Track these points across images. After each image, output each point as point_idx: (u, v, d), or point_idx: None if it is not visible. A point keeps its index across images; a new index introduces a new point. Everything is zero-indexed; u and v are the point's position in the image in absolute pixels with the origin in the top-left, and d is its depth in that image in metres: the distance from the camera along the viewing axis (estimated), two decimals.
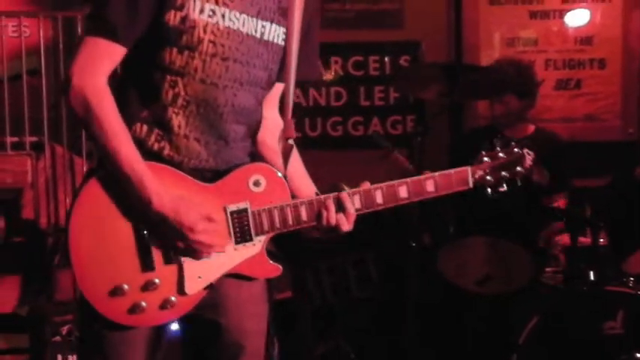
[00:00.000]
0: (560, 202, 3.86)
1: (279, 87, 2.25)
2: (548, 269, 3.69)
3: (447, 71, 3.95)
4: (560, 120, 4.80)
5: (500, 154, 2.24)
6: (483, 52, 4.86)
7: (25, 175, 3.89)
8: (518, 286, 3.63)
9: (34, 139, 4.13)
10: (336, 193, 2.13)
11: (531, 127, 4.12)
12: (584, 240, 3.62)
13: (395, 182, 2.19)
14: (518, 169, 2.24)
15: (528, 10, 4.92)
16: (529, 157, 2.25)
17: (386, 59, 4.83)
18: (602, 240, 3.59)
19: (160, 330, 2.14)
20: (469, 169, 2.22)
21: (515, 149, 2.24)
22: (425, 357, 3.75)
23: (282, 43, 2.15)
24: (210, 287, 2.09)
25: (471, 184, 2.21)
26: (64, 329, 3.26)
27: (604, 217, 3.67)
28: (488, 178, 2.23)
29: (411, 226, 3.64)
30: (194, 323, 2.16)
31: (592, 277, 3.51)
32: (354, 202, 2.14)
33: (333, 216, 2.11)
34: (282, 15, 2.15)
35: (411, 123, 4.82)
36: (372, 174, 4.13)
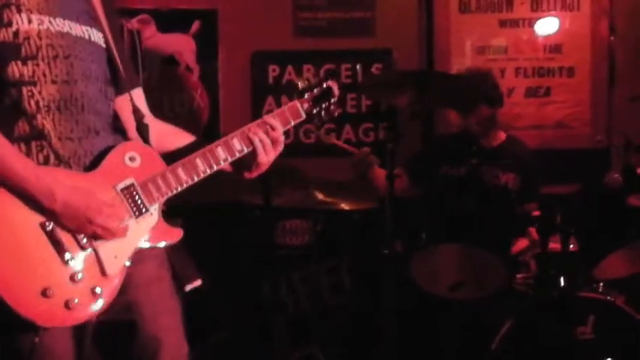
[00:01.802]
0: (532, 208, 3.83)
1: (139, 92, 2.40)
2: (519, 275, 3.70)
3: (419, 79, 3.91)
4: (530, 127, 4.81)
5: (315, 90, 2.52)
6: (454, 60, 4.86)
7: None
8: (490, 292, 3.62)
9: None
10: (253, 124, 2.32)
11: (502, 135, 4.13)
12: (555, 246, 3.62)
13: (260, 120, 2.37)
14: (332, 99, 2.54)
15: (498, 19, 4.91)
16: (335, 87, 2.55)
17: (358, 67, 4.79)
18: (572, 246, 3.61)
19: (82, 338, 2.13)
20: (297, 101, 2.47)
21: (323, 84, 2.54)
22: None
23: (104, 45, 2.28)
24: (127, 265, 2.14)
25: (303, 115, 2.47)
26: None
27: (574, 223, 3.68)
28: (314, 110, 2.51)
29: (384, 233, 3.60)
30: (109, 329, 2.16)
31: (562, 283, 3.52)
32: (274, 121, 2.36)
33: (264, 133, 2.33)
34: (95, 22, 2.27)
35: (383, 130, 4.81)
36: (344, 180, 4.00)
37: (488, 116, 4.08)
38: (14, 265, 2.01)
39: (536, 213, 3.76)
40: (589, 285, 3.58)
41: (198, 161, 2.26)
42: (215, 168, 2.30)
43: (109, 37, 2.29)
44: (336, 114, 2.60)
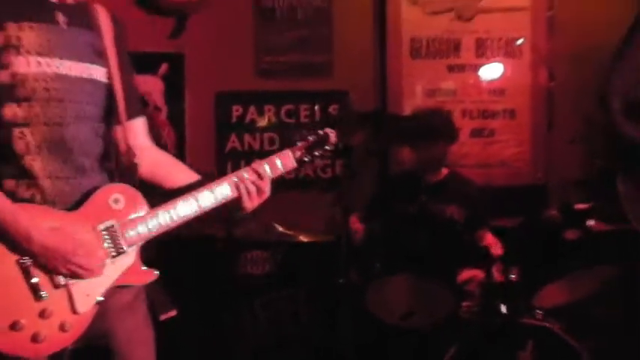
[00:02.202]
0: (477, 240, 3.96)
1: (138, 122, 2.37)
2: (465, 304, 3.72)
3: (373, 119, 4.09)
4: (475, 166, 4.85)
5: (309, 137, 2.45)
6: (406, 102, 4.89)
7: None
8: (438, 320, 3.65)
9: None
10: (247, 168, 2.31)
11: (445, 170, 4.20)
12: (498, 276, 3.67)
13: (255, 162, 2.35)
14: (327, 147, 2.47)
15: (446, 64, 4.97)
16: (332, 135, 2.48)
17: (316, 107, 4.85)
18: (513, 276, 3.63)
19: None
20: (289, 150, 2.42)
21: (319, 131, 2.47)
22: None
23: (107, 81, 2.23)
24: (99, 303, 2.12)
25: (294, 163, 2.41)
26: None
27: (516, 255, 3.76)
28: (305, 157, 2.43)
29: (339, 263, 3.64)
30: (86, 354, 2.15)
31: (504, 311, 3.54)
32: (265, 168, 2.33)
33: (250, 182, 2.29)
34: (99, 56, 2.22)
35: (339, 167, 4.81)
36: (304, 214, 4.10)
37: (444, 152, 4.15)
38: None
39: (479, 242, 3.89)
40: (529, 312, 3.58)
41: (182, 207, 2.23)
42: (199, 213, 2.25)
43: (114, 70, 2.24)
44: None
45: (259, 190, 2.31)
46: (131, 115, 2.33)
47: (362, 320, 3.77)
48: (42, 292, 2.05)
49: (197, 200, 2.25)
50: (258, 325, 4.18)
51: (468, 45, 5.01)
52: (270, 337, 4.12)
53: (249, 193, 2.30)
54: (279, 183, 4.92)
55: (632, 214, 2.54)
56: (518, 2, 5.00)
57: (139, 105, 2.41)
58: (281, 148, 5.30)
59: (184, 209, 2.23)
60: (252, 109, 4.88)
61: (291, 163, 2.42)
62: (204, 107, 4.81)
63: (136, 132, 2.38)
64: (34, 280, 2.04)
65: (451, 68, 5.01)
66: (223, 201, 2.29)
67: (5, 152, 2.10)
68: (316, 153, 2.46)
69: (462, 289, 3.80)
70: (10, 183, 2.10)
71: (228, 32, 4.76)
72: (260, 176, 2.31)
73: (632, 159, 2.52)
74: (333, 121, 4.79)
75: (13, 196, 2.08)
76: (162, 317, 2.38)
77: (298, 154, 2.43)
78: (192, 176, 2.41)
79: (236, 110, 4.86)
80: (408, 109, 4.86)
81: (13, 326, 2.01)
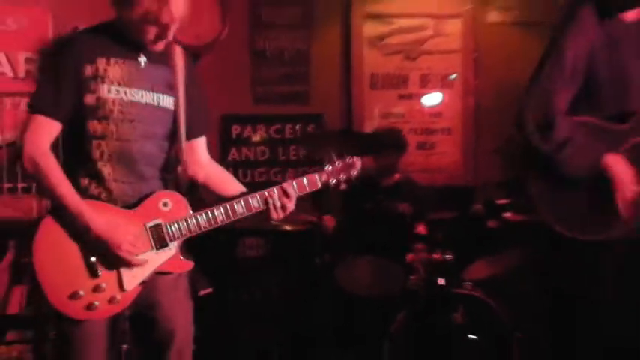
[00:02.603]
0: (421, 229, 3.93)
1: (199, 141, 2.32)
2: (412, 277, 3.74)
3: (341, 136, 4.15)
4: (420, 171, 4.81)
5: (337, 163, 2.30)
6: (367, 123, 4.88)
7: (32, 211, 3.80)
8: (393, 290, 3.67)
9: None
10: (279, 186, 2.22)
11: (398, 175, 4.21)
12: (437, 256, 3.72)
13: (289, 181, 2.25)
14: (352, 172, 2.31)
15: (397, 93, 4.95)
16: (358, 162, 2.32)
17: (297, 127, 4.84)
18: (449, 256, 3.70)
19: (113, 327, 2.14)
20: (316, 175, 2.27)
21: (348, 158, 2.31)
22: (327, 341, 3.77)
23: (173, 108, 2.19)
24: (144, 283, 2.10)
25: (319, 185, 2.27)
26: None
27: (451, 239, 3.80)
28: (331, 180, 2.28)
29: (316, 247, 3.70)
30: (139, 319, 2.17)
31: (442, 283, 3.59)
32: (293, 187, 2.22)
33: (279, 197, 2.19)
34: (170, 88, 2.19)
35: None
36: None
37: (397, 161, 4.16)
38: (57, 274, 2.03)
39: (422, 230, 3.87)
40: (460, 284, 3.62)
41: (218, 213, 2.16)
42: (232, 220, 2.18)
43: (181, 99, 2.19)
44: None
45: (284, 207, 2.21)
46: (194, 136, 2.29)
47: (333, 291, 3.78)
48: (97, 272, 2.05)
49: (230, 209, 2.17)
50: (254, 295, 4.15)
51: (414, 79, 4.99)
52: (263, 304, 4.10)
53: (275, 207, 2.20)
54: (269, 185, 4.90)
55: (540, 209, 2.55)
56: (452, 46, 4.97)
57: (203, 126, 2.33)
58: (270, 160, 5.31)
59: (219, 215, 2.16)
60: (248, 128, 4.84)
61: (317, 185, 2.28)
62: (212, 126, 4.64)
63: (197, 149, 2.32)
64: (92, 259, 2.05)
65: (401, 97, 4.99)
66: (254, 212, 2.21)
67: (84, 157, 2.10)
68: (342, 177, 2.31)
69: (409, 267, 3.81)
70: (84, 181, 2.10)
71: (230, 68, 4.72)
72: (287, 195, 2.21)
73: (541, 166, 2.53)
74: (310, 137, 4.80)
75: (86, 192, 2.08)
76: (201, 293, 2.40)
77: (325, 177, 2.28)
78: (238, 187, 2.33)
79: (235, 129, 4.82)
80: (368, 128, 4.84)
81: (73, 295, 2.03)
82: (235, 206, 2.17)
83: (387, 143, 4.11)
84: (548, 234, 2.53)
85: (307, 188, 2.26)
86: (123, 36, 2.11)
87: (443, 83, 5.02)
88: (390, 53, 4.95)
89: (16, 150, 2.05)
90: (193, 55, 4.87)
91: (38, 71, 2.23)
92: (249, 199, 2.19)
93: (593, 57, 2.48)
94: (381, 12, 4.91)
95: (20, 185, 4.07)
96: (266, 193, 2.20)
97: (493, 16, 5.00)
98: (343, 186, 2.30)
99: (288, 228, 4.02)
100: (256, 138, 4.85)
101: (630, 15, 2.51)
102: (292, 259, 4.23)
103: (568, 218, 2.49)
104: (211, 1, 4.51)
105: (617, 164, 2.42)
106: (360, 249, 3.82)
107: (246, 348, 3.88)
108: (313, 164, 4.74)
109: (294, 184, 2.23)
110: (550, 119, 2.45)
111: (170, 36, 2.12)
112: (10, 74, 4.14)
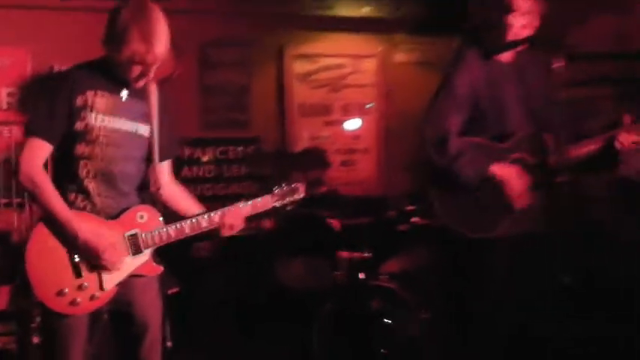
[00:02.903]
0: (344, 232, 3.87)
1: (165, 164, 2.25)
2: (337, 273, 3.69)
3: (277, 156, 4.20)
4: (344, 184, 4.81)
5: (284, 187, 2.31)
6: (299, 144, 4.90)
7: (12, 223, 3.75)
8: (322, 283, 3.65)
9: (19, 200, 3.92)
10: (230, 207, 2.20)
11: (324, 187, 4.18)
12: (358, 255, 3.69)
13: (240, 203, 2.23)
14: (296, 196, 2.32)
15: (323, 120, 5.01)
16: (302, 187, 2.33)
17: (239, 148, 4.83)
18: (367, 254, 3.67)
19: (94, 321, 2.10)
20: (269, 196, 2.28)
21: (292, 184, 2.32)
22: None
23: (148, 135, 2.16)
24: (120, 284, 2.07)
25: (269, 207, 2.27)
26: (38, 319, 3.15)
27: (369, 241, 3.77)
28: (279, 202, 2.29)
29: (258, 248, 3.67)
30: (118, 315, 2.13)
31: (362, 277, 3.56)
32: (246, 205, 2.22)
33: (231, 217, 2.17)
34: (146, 119, 2.16)
35: (257, 188, 4.76)
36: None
37: (322, 175, 4.15)
38: (46, 274, 2.00)
39: (345, 234, 3.83)
40: (376, 277, 3.61)
41: (185, 226, 2.15)
42: (197, 232, 2.18)
43: (155, 128, 2.16)
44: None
45: (232, 226, 2.20)
46: (162, 159, 2.22)
47: (273, 285, 3.75)
48: (81, 273, 2.03)
49: (197, 222, 2.16)
50: (207, 289, 4.06)
51: (337, 108, 5.04)
52: (215, 297, 4.00)
53: (224, 225, 2.19)
54: (215, 197, 4.81)
55: (440, 213, 2.59)
56: (367, 81, 5.05)
57: (171, 151, 2.26)
58: (216, 176, 5.24)
59: (186, 228, 2.15)
60: (198, 150, 4.79)
61: (268, 206, 2.29)
62: None
63: (163, 170, 2.26)
64: (77, 261, 2.03)
65: (326, 123, 5.04)
66: (214, 226, 2.19)
67: (72, 175, 2.08)
68: (287, 199, 2.32)
69: (335, 264, 3.77)
70: (72, 195, 2.07)
71: (183, 99, 4.63)
72: (234, 216, 2.20)
73: (439, 177, 2.57)
74: (250, 157, 4.79)
75: (73, 204, 2.06)
76: (169, 292, 2.39)
77: (274, 199, 2.29)
78: (196, 205, 2.29)
79: (187, 150, 4.75)
80: (298, 149, 4.84)
81: (59, 293, 2.01)
82: (200, 220, 2.17)
83: (314, 161, 4.13)
84: (447, 234, 2.57)
85: (259, 209, 2.27)
86: (110, 72, 2.08)
87: (361, 111, 5.09)
88: (317, 87, 5.00)
89: (11, 167, 2.01)
90: None
91: (34, 98, 2.13)
92: (212, 215, 2.19)
93: (478, 90, 2.56)
94: (308, 53, 4.95)
95: (3, 201, 3.97)
96: (220, 213, 2.20)
97: (400, 57, 5.11)
98: (289, 207, 2.32)
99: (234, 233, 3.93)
100: (205, 158, 4.80)
101: (505, 57, 2.61)
102: (238, 259, 4.16)
103: (462, 220, 2.54)
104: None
105: (501, 169, 2.50)
106: (294, 250, 3.81)
107: (204, 330, 3.83)
108: (253, 179, 4.82)
109: (249, 204, 2.24)
110: (444, 137, 2.50)
111: (151, 75, 2.09)
112: None
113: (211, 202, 5.10)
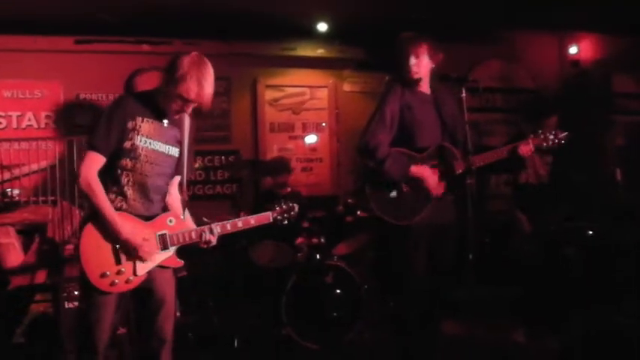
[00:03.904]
0: (304, 223, 3.92)
1: (176, 178, 2.27)
2: (299, 255, 3.74)
3: (252, 164, 4.24)
4: (304, 186, 4.82)
5: (283, 206, 2.35)
6: (268, 155, 4.86)
7: (47, 215, 3.73)
8: (287, 263, 3.66)
9: (53, 198, 3.89)
10: (209, 225, 2.19)
11: (289, 189, 4.17)
12: (315, 240, 3.77)
13: (236, 219, 2.25)
14: (292, 213, 2.36)
15: (288, 135, 4.96)
16: (296, 207, 2.38)
17: (222, 158, 4.78)
18: (322, 240, 3.77)
19: (120, 298, 2.12)
20: (270, 213, 2.32)
21: (290, 203, 2.36)
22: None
23: (177, 156, 2.20)
24: (149, 272, 2.12)
25: (271, 220, 2.32)
26: (68, 290, 3.14)
27: (323, 229, 3.84)
28: (278, 218, 2.33)
29: (236, 235, 3.55)
30: (141, 290, 2.14)
31: (318, 257, 3.60)
32: (217, 229, 2.21)
33: (208, 236, 2.19)
34: (178, 142, 2.20)
35: (236, 188, 4.77)
36: (215, 213, 4.03)
37: (287, 179, 4.12)
38: (94, 260, 2.03)
39: (305, 224, 3.88)
40: (330, 257, 3.60)
41: (202, 232, 2.16)
42: (207, 240, 2.17)
43: (184, 150, 2.19)
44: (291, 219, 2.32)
45: (208, 242, 2.19)
46: (185, 174, 2.23)
47: (248, 265, 3.72)
48: (120, 261, 2.06)
49: (208, 230, 2.17)
50: (197, 269, 3.88)
51: (298, 126, 5.01)
52: (203, 275, 3.87)
53: (202, 240, 2.19)
54: (204, 196, 4.74)
55: (373, 206, 2.63)
56: (322, 105, 5.01)
57: (189, 169, 2.25)
58: (205, 180, 5.18)
59: (203, 233, 2.17)
60: None
61: (269, 220, 2.30)
62: None
63: (174, 184, 2.27)
64: (117, 252, 2.05)
65: (290, 137, 5.00)
66: (222, 233, 2.20)
67: (115, 181, 2.09)
68: (285, 215, 2.33)
69: (298, 248, 3.81)
70: (112, 196, 2.08)
71: None
72: (212, 233, 2.18)
73: (372, 177, 2.67)
74: (231, 164, 4.75)
75: (112, 203, 2.06)
76: (179, 275, 2.34)
77: (274, 215, 2.30)
78: (179, 210, 2.24)
79: None
80: (269, 158, 4.78)
81: (102, 275, 2.04)
82: (213, 227, 2.18)
83: (281, 168, 4.08)
84: (380, 223, 2.64)
85: (261, 222, 2.27)
86: (155, 102, 2.10)
87: (317, 129, 5.04)
88: (283, 110, 4.98)
89: (46, 172, 2.01)
90: None
91: (98, 118, 2.09)
92: (221, 225, 2.20)
93: (402, 113, 2.70)
94: (276, 83, 4.94)
95: (41, 198, 3.93)
96: (206, 230, 2.18)
97: (347, 87, 5.14)
98: (285, 222, 2.33)
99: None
100: (196, 165, 4.75)
101: (424, 88, 2.77)
102: (221, 244, 4.07)
103: (389, 211, 2.64)
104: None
105: (419, 168, 2.64)
106: (265, 236, 3.79)
107: (193, 303, 3.80)
108: (233, 182, 4.79)
109: (239, 221, 2.23)
110: (375, 147, 2.62)
111: (189, 110, 2.09)
112: (36, 126, 4.36)
113: (201, 200, 5.03)
